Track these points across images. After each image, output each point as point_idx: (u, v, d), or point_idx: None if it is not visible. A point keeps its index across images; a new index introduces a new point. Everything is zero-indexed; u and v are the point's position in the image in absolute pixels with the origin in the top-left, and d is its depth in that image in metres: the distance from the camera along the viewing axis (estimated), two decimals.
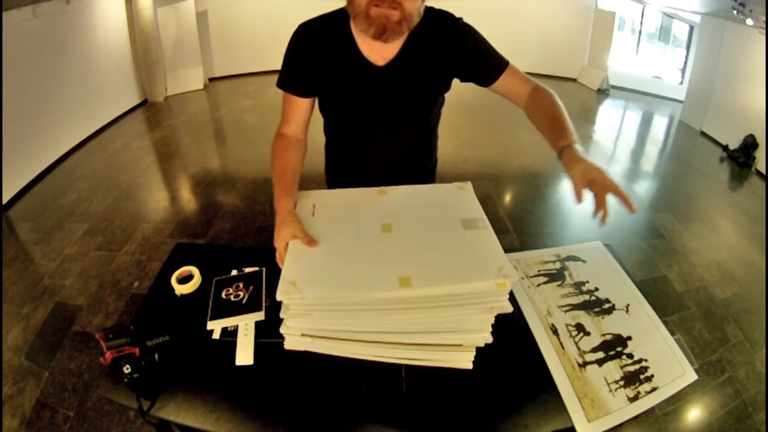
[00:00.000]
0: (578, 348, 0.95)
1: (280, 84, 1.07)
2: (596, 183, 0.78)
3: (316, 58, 1.01)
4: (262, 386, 0.87)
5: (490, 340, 0.86)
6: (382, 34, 0.90)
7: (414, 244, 0.87)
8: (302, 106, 1.08)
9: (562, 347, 0.95)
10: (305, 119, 1.11)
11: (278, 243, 0.89)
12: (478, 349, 0.87)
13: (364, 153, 1.18)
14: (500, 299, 0.81)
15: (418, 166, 1.26)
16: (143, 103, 5.35)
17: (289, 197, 0.95)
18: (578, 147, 0.85)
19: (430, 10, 0.99)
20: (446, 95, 1.15)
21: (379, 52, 1.00)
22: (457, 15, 1.03)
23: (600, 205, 0.78)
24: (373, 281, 0.79)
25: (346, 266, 0.82)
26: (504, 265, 0.80)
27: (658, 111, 5.88)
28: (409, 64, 1.01)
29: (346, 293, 0.79)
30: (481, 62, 1.04)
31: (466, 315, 0.82)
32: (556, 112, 0.95)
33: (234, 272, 1.13)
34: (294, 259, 0.84)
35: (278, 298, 0.78)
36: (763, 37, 3.91)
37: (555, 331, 0.98)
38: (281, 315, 0.84)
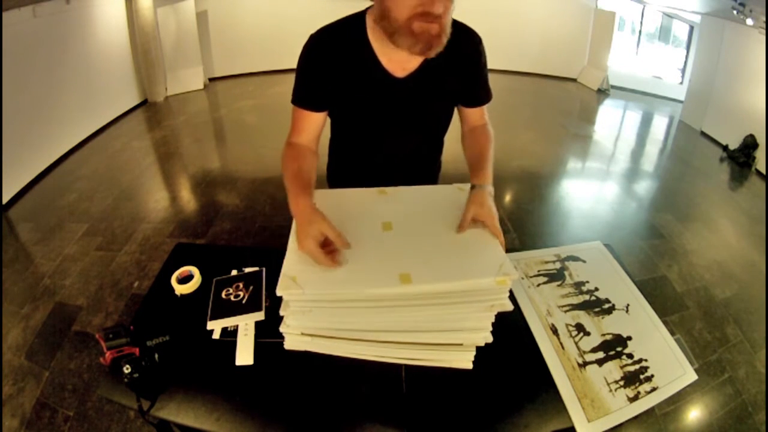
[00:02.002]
0: (578, 348, 0.95)
1: (296, 101, 1.02)
2: (483, 224, 0.90)
3: (332, 69, 0.97)
4: (262, 386, 0.87)
5: (490, 339, 0.86)
6: (428, 49, 0.86)
7: (414, 242, 0.87)
8: (316, 119, 1.04)
9: (562, 347, 0.95)
10: (318, 132, 1.07)
11: (308, 244, 0.79)
12: (478, 349, 0.87)
13: (372, 157, 1.18)
14: (500, 297, 0.81)
15: (422, 169, 1.26)
16: (143, 103, 5.35)
17: (307, 195, 0.89)
18: (487, 188, 0.95)
19: (454, 23, 0.98)
20: None
21: (400, 63, 0.98)
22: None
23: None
24: (374, 277, 0.79)
25: (347, 262, 0.82)
26: (504, 263, 0.80)
27: (658, 111, 5.88)
28: (429, 76, 1.00)
29: (347, 289, 0.79)
30: (480, 87, 1.09)
31: (466, 313, 0.82)
32: (485, 150, 1.05)
33: (234, 272, 1.13)
34: (294, 255, 0.84)
35: (278, 293, 0.78)
36: (763, 37, 3.91)
37: (555, 331, 0.98)
38: (281, 312, 0.84)
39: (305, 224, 0.82)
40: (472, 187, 0.96)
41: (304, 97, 1.02)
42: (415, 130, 1.11)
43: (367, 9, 0.97)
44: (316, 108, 1.03)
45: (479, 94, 1.10)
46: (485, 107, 1.13)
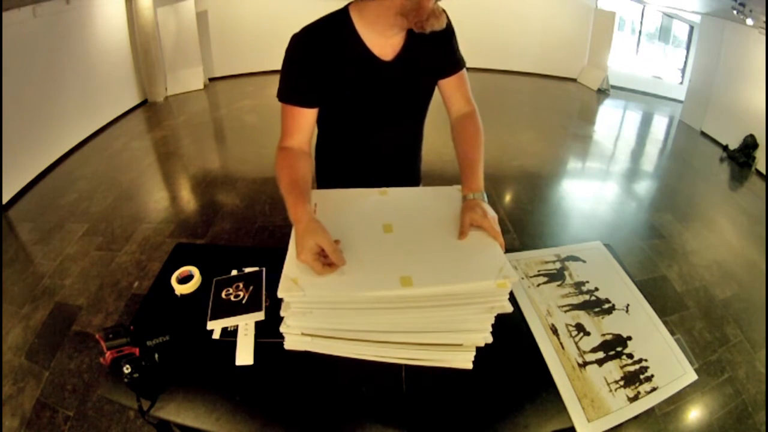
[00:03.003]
0: (578, 348, 0.95)
1: (283, 98, 1.01)
2: (481, 228, 0.90)
3: (324, 64, 0.98)
4: (262, 386, 0.87)
5: (490, 339, 0.86)
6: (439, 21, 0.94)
7: (415, 245, 0.87)
8: (307, 117, 1.03)
9: (562, 347, 0.95)
10: (310, 131, 1.06)
11: (305, 257, 0.79)
12: (478, 349, 0.87)
13: (364, 147, 1.18)
14: (500, 299, 0.81)
15: (410, 158, 1.27)
16: (143, 103, 5.35)
17: (306, 203, 0.89)
18: (479, 195, 0.96)
19: None
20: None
21: (387, 47, 1.01)
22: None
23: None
24: (375, 280, 0.79)
25: (348, 265, 0.82)
26: (504, 266, 0.80)
27: (658, 111, 5.89)
28: (413, 55, 1.03)
29: (348, 291, 0.79)
30: (453, 53, 1.10)
31: (466, 315, 0.82)
32: (475, 154, 1.06)
33: (234, 272, 1.13)
34: (295, 257, 0.84)
35: (279, 295, 0.78)
36: (763, 37, 3.91)
37: (555, 331, 0.98)
38: (281, 313, 0.84)
39: (303, 235, 0.81)
40: (464, 198, 0.97)
41: (295, 93, 1.01)
42: (405, 113, 1.13)
43: (348, 5, 1.00)
44: (307, 103, 1.02)
45: (454, 61, 1.11)
46: (465, 81, 1.13)
